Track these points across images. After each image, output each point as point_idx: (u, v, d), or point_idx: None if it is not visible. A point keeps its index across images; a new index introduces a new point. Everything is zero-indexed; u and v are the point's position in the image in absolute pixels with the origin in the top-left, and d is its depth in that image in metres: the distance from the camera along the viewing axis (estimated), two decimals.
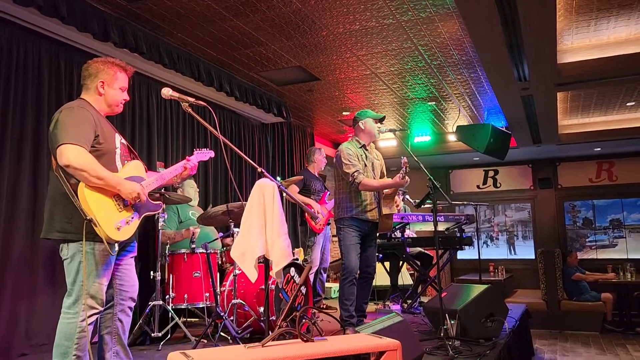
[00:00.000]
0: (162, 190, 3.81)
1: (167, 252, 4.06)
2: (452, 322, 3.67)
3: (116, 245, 2.36)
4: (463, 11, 3.75)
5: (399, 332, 2.41)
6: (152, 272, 3.91)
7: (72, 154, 2.24)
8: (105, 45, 4.17)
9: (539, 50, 4.49)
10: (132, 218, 2.43)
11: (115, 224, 2.32)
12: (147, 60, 4.50)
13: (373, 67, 5.54)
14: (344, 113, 7.39)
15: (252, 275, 2.27)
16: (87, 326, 2.32)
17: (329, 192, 5.70)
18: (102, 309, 2.42)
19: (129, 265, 2.62)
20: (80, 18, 3.72)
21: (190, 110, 2.52)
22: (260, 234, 2.26)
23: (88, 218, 2.23)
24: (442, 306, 3.67)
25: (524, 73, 5.02)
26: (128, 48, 4.19)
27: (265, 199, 2.30)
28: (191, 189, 4.82)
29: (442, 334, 3.57)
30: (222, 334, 3.83)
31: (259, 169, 2.36)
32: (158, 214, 3.88)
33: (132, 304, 2.63)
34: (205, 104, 2.59)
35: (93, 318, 2.39)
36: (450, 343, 3.51)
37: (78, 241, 2.31)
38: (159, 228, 3.91)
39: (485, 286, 4.01)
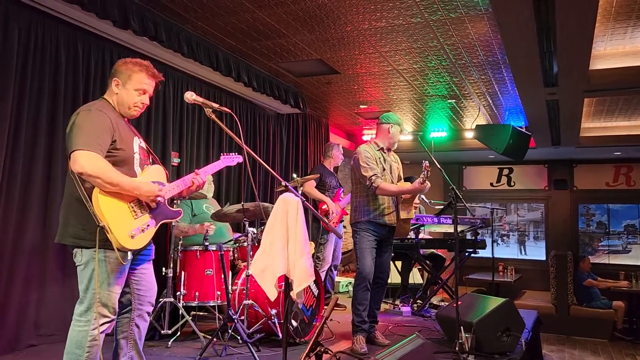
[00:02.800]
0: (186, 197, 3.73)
1: (179, 247, 3.99)
2: (467, 335, 3.59)
3: (129, 253, 2.27)
4: (499, 16, 3.59)
5: (421, 357, 2.33)
6: (163, 269, 3.84)
7: (85, 161, 2.15)
8: (125, 33, 4.06)
9: (571, 57, 4.32)
10: (148, 226, 2.33)
11: (130, 231, 2.23)
12: (166, 49, 4.38)
13: (395, 63, 5.39)
14: (361, 106, 7.25)
15: (272, 294, 2.19)
16: (98, 335, 2.26)
17: (343, 189, 5.61)
18: (114, 317, 2.35)
19: (147, 270, 2.54)
20: (100, 4, 3.60)
21: (213, 116, 2.41)
22: (282, 251, 2.17)
23: (100, 225, 2.14)
24: (459, 318, 3.58)
25: (553, 78, 4.85)
26: (147, 36, 4.08)
27: (288, 216, 2.20)
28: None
29: (457, 348, 3.49)
30: (232, 333, 3.77)
31: (284, 183, 2.26)
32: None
33: (150, 309, 2.57)
34: (229, 111, 2.47)
35: (105, 327, 2.32)
36: (464, 356, 3.44)
37: (91, 248, 2.23)
38: (172, 223, 3.83)
39: (502, 299, 3.92)
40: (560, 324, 7.99)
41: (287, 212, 2.22)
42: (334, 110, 7.62)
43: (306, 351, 1.60)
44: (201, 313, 4.73)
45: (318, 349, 1.61)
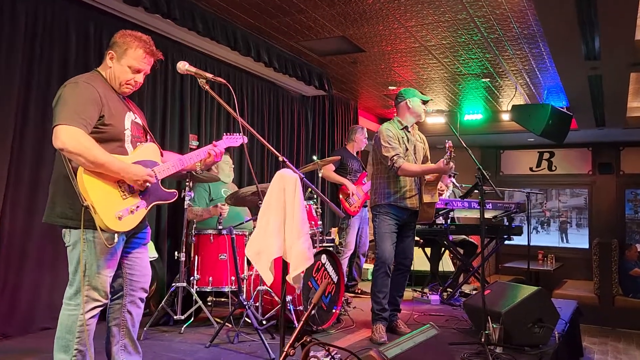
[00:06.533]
0: (202, 173, 3.60)
1: (193, 231, 3.87)
2: (495, 325, 3.34)
3: (116, 235, 2.13)
4: None
5: (433, 350, 2.11)
6: (176, 252, 3.74)
7: (66, 136, 2.01)
8: (136, 10, 3.93)
9: (615, 26, 3.94)
10: (138, 207, 2.19)
11: (117, 212, 2.09)
12: (180, 27, 4.24)
13: (423, 39, 5.09)
14: (390, 87, 6.97)
15: (268, 277, 2.02)
16: (87, 319, 2.15)
17: (367, 173, 5.39)
18: (105, 301, 2.23)
19: (141, 254, 2.41)
20: None
21: (207, 87, 2.25)
22: (279, 233, 2.00)
23: (85, 204, 2.01)
24: (485, 307, 3.34)
25: (595, 51, 4.47)
26: (160, 13, 3.93)
27: (285, 193, 2.02)
28: (225, 165, 4.60)
29: (482, 339, 3.25)
30: (246, 319, 3.64)
31: (281, 158, 2.08)
32: (185, 192, 3.69)
33: (144, 295, 2.44)
34: (224, 81, 2.30)
35: (96, 311, 2.21)
36: (491, 348, 3.20)
37: (79, 228, 2.11)
38: (185, 207, 3.71)
39: (534, 288, 3.65)
40: (603, 315, 7.55)
41: (284, 189, 2.04)
42: (362, 92, 7.36)
43: (290, 341, 1.42)
44: (222, 299, 4.64)
45: (305, 338, 1.43)
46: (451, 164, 3.47)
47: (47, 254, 3.61)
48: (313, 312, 3.67)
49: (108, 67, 2.29)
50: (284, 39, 5.18)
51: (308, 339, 1.42)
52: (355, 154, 5.41)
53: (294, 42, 5.27)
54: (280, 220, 2.00)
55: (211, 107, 5.12)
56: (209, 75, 2.25)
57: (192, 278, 3.78)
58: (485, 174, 3.44)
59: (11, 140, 3.36)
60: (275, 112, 6.16)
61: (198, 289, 3.79)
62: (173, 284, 3.68)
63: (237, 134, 2.81)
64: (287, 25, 4.81)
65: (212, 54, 5.00)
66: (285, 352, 1.42)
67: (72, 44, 3.78)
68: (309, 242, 1.99)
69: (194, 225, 3.92)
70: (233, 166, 4.71)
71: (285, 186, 2.03)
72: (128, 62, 2.27)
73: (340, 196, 5.13)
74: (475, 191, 3.75)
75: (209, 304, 4.17)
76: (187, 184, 3.66)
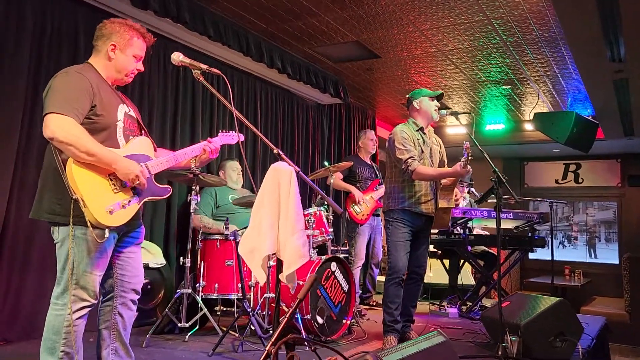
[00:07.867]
0: (197, 171, 3.53)
1: (199, 237, 3.78)
2: (513, 338, 3.14)
3: (107, 231, 2.04)
4: None
5: (438, 357, 1.95)
6: (181, 258, 3.65)
7: (57, 125, 1.95)
8: (145, 14, 3.91)
9: (639, 25, 3.75)
10: (130, 202, 2.10)
11: (108, 206, 2.00)
12: (191, 32, 4.20)
13: (439, 43, 4.96)
14: (407, 95, 6.82)
15: (261, 276, 1.90)
16: (75, 320, 2.07)
17: (380, 181, 5.22)
18: (94, 301, 2.14)
19: (133, 254, 2.31)
20: None
21: (202, 78, 2.17)
22: (272, 228, 1.88)
23: (74, 197, 1.93)
24: (502, 319, 3.15)
25: (620, 53, 4.27)
26: (170, 17, 3.91)
27: (280, 188, 1.91)
28: (233, 172, 4.52)
29: (499, 353, 3.06)
30: (252, 327, 3.51)
31: (276, 150, 1.97)
32: (191, 196, 3.60)
33: (136, 297, 2.34)
34: (219, 73, 2.21)
35: (84, 311, 2.12)
36: None
37: (68, 224, 2.02)
38: (190, 211, 3.62)
39: (556, 299, 3.43)
40: (635, 333, 7.16)
41: (278, 183, 1.92)
42: (379, 101, 7.24)
43: (273, 339, 1.29)
44: (232, 309, 4.52)
45: (290, 336, 1.30)
46: (469, 167, 3.30)
47: (51, 258, 3.53)
48: (320, 320, 3.53)
49: (110, 59, 2.25)
50: (297, 45, 5.11)
51: (293, 338, 1.29)
52: (369, 161, 5.25)
53: (308, 48, 5.19)
54: (274, 216, 1.89)
55: (223, 110, 5.06)
56: (204, 67, 2.18)
57: (197, 285, 3.68)
58: (502, 177, 3.27)
59: (17, 141, 3.34)
60: (289, 120, 6.07)
61: (204, 296, 3.68)
62: (178, 290, 3.58)
63: (233, 131, 2.72)
64: (300, 29, 4.75)
65: (225, 60, 4.95)
66: (266, 351, 1.29)
67: (81, 45, 3.77)
68: (303, 238, 1.88)
69: (201, 231, 3.83)
70: (242, 172, 4.62)
71: (280, 180, 1.92)
72: (133, 51, 2.28)
73: (348, 204, 4.98)
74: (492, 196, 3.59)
75: (218, 312, 4.06)
76: (194, 188, 3.58)
